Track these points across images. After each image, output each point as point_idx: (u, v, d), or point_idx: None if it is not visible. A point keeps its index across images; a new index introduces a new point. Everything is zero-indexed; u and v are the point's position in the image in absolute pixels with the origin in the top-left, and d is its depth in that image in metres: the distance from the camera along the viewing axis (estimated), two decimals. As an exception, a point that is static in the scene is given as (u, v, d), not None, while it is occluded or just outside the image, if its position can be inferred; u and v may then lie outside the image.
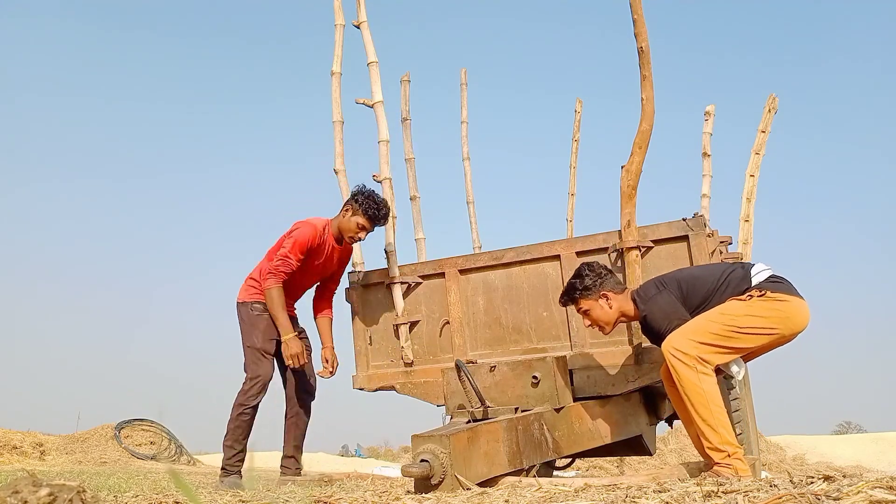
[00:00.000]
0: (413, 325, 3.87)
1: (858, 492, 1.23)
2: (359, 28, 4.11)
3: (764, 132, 5.41)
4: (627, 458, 10.62)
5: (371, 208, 3.52)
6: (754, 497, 1.38)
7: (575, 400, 3.17)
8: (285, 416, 3.77)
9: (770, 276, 2.71)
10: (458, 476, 2.22)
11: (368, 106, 4.03)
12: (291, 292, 3.71)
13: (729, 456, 2.53)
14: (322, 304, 3.88)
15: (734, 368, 2.71)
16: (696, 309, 2.72)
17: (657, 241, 3.38)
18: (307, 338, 3.82)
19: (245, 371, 3.58)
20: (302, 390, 3.74)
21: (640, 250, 3.37)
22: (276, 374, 3.67)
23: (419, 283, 3.90)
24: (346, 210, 3.59)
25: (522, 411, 2.86)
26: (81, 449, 11.80)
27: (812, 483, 1.47)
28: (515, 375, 3.04)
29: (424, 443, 2.28)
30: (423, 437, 2.31)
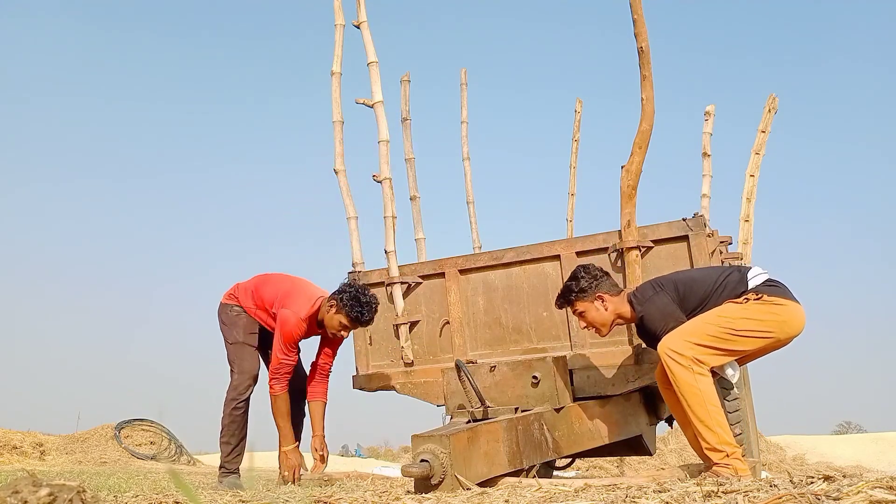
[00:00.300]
0: (413, 325, 3.87)
1: (858, 492, 1.23)
2: (359, 28, 4.11)
3: (764, 132, 5.41)
4: (627, 458, 10.62)
5: (355, 310, 3.34)
6: (754, 497, 1.38)
7: (575, 400, 3.17)
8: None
9: (766, 280, 2.72)
10: (458, 476, 2.22)
11: (368, 106, 4.03)
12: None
13: (728, 456, 2.53)
14: (317, 386, 3.65)
15: (729, 371, 2.71)
16: (692, 311, 2.73)
17: (657, 241, 3.38)
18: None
19: (231, 367, 3.58)
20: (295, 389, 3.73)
21: (640, 250, 3.37)
22: (263, 371, 3.65)
23: (419, 283, 3.90)
24: (331, 306, 3.41)
25: (522, 411, 2.86)
26: (81, 449, 11.80)
27: (812, 483, 1.47)
28: (515, 375, 3.04)
29: (424, 443, 2.28)
30: (423, 437, 2.31)
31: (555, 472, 4.33)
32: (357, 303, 3.35)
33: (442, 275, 3.84)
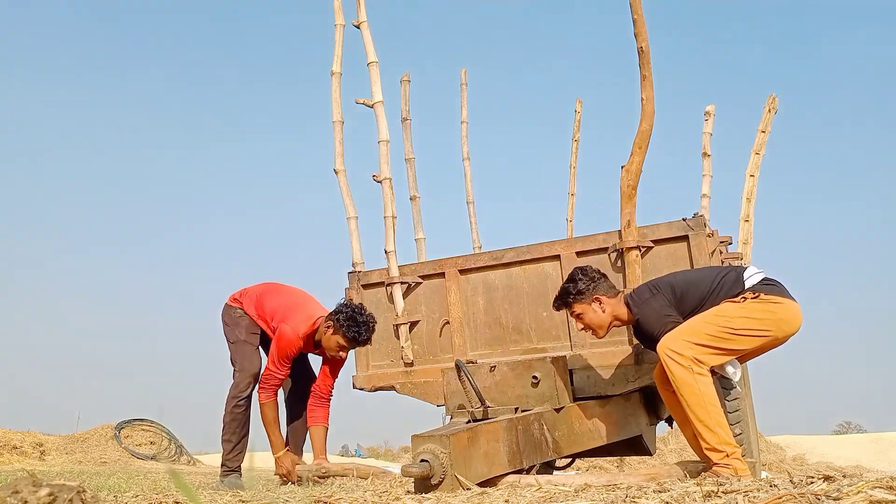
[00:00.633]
0: (413, 325, 3.88)
1: (858, 492, 1.23)
2: (359, 28, 4.11)
3: (764, 132, 5.41)
4: (627, 458, 10.62)
5: (352, 330, 3.32)
6: (754, 497, 1.38)
7: (575, 400, 3.17)
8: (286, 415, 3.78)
9: (763, 279, 2.73)
10: (458, 476, 2.22)
11: (368, 106, 4.03)
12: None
13: (727, 456, 2.53)
14: (317, 410, 3.60)
15: (730, 370, 2.71)
16: (690, 313, 2.74)
17: (657, 241, 3.38)
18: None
19: (233, 366, 3.60)
20: (301, 392, 3.74)
21: (640, 250, 3.37)
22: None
23: (419, 283, 3.90)
24: (328, 327, 3.39)
25: (522, 411, 2.86)
26: (81, 449, 11.80)
27: (812, 483, 1.47)
28: (515, 375, 3.04)
29: (424, 443, 2.28)
30: (423, 437, 2.31)
31: (555, 472, 4.32)
32: (354, 322, 3.32)
33: (442, 275, 3.84)
